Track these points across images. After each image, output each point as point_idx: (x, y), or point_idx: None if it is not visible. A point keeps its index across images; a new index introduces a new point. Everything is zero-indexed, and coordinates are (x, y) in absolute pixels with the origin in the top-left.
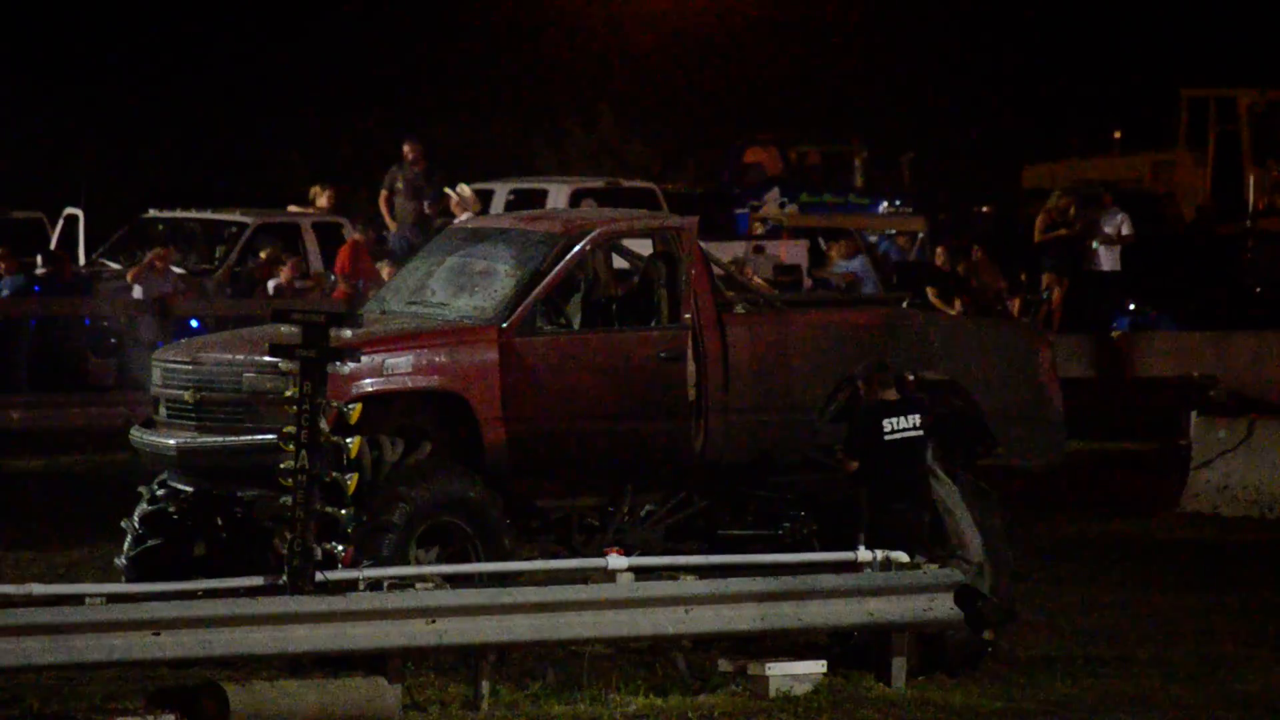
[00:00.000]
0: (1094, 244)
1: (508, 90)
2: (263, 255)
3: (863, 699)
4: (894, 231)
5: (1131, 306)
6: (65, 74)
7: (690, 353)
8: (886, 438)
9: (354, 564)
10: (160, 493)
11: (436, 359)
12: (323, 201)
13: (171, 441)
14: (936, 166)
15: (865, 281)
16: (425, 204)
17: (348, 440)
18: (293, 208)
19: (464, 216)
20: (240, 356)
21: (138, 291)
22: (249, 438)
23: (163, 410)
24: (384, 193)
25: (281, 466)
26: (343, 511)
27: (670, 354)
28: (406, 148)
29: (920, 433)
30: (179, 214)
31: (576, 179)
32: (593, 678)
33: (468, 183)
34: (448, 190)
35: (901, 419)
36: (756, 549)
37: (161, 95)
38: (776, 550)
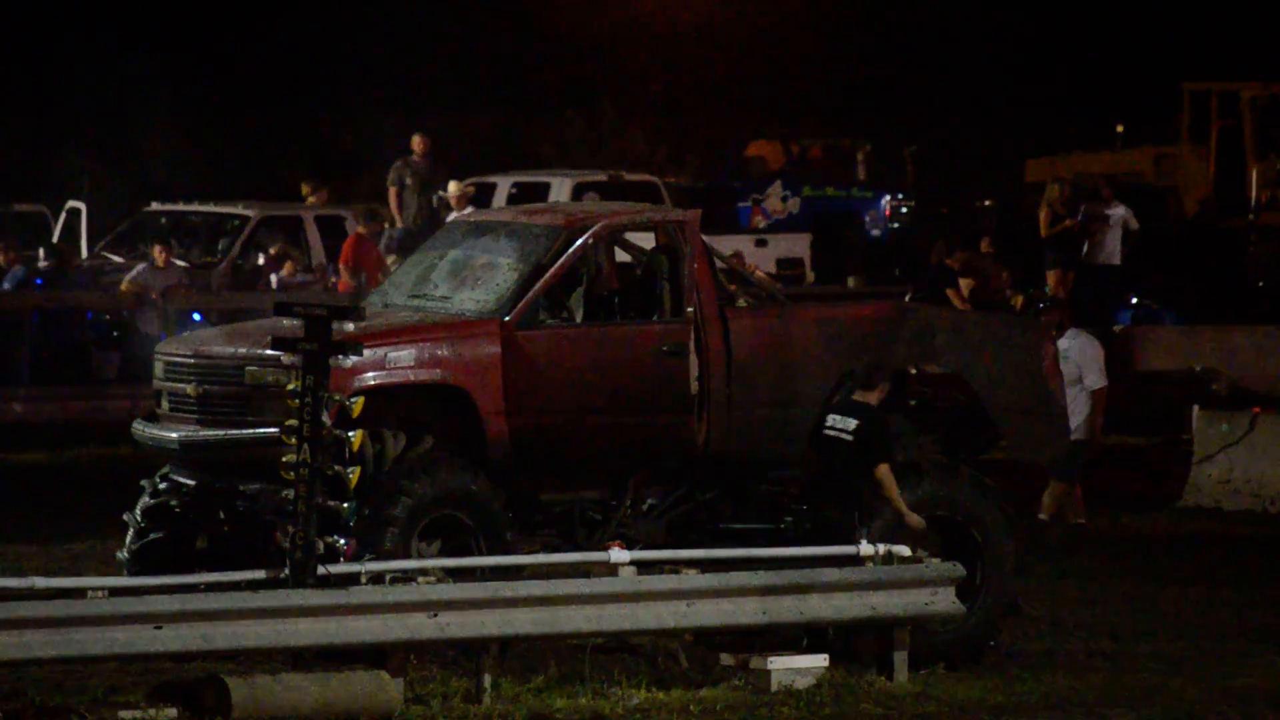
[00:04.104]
0: (1097, 242)
1: (510, 83)
2: (272, 251)
3: (865, 693)
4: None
5: (1134, 300)
6: (67, 68)
7: (693, 346)
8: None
9: (356, 558)
10: (162, 486)
11: (439, 352)
12: (315, 201)
13: (174, 435)
14: (939, 160)
15: None
16: (434, 198)
17: (350, 434)
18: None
19: (466, 211)
20: (242, 350)
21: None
22: (251, 431)
23: (165, 404)
24: (394, 189)
25: (284, 460)
26: (345, 505)
27: (673, 348)
28: (416, 140)
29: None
30: (181, 207)
31: (579, 172)
32: (594, 671)
33: (460, 179)
34: (440, 194)
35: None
36: (759, 543)
37: (161, 88)
38: (779, 544)
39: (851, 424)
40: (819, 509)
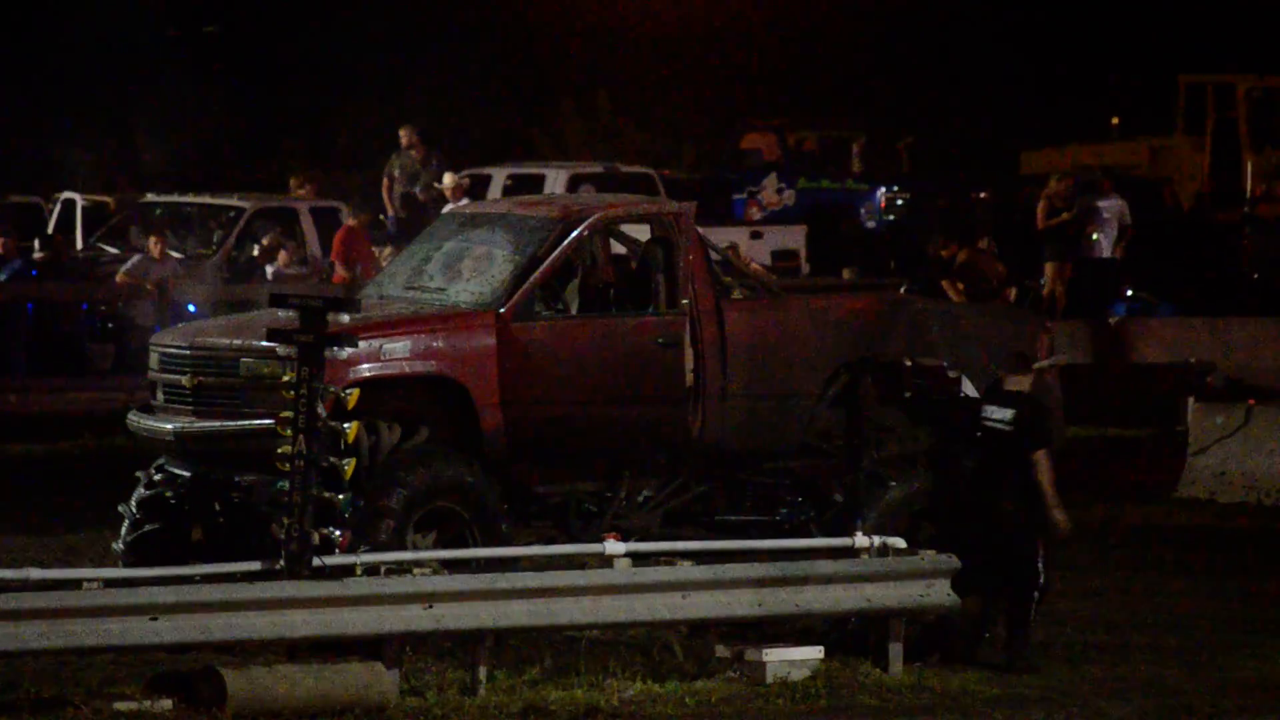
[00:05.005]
0: (1093, 235)
1: (505, 75)
2: (265, 242)
3: (860, 685)
4: None
5: (1129, 293)
6: (63, 59)
7: (688, 338)
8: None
9: (351, 549)
10: (158, 478)
11: (434, 344)
12: (303, 194)
13: (169, 426)
14: (934, 152)
15: None
16: (418, 189)
17: (345, 425)
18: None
19: (461, 202)
20: (238, 341)
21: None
22: (246, 423)
23: (160, 395)
24: (385, 181)
25: (279, 451)
26: (340, 496)
27: (668, 339)
28: (403, 133)
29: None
30: (176, 198)
31: (574, 164)
32: (590, 663)
33: (455, 171)
34: (435, 185)
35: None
36: (754, 534)
37: (159, 81)
38: (774, 536)
39: (1009, 414)
40: (990, 502)
